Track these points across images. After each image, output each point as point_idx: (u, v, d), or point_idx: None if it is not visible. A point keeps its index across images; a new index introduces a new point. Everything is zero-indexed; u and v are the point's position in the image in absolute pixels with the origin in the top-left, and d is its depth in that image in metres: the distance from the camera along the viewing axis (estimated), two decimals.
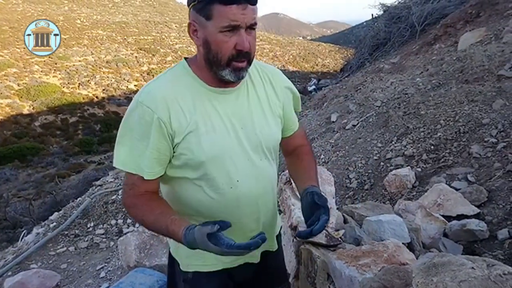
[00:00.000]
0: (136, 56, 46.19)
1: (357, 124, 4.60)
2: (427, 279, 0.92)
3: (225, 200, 1.09)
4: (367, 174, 3.58)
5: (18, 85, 34.96)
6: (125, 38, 50.33)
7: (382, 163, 3.59)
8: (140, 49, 48.02)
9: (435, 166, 3.16)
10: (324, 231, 1.65)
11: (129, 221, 4.79)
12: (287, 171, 1.90)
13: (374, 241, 1.59)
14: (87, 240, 4.51)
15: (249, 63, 1.03)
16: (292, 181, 1.39)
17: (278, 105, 1.18)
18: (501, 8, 6.12)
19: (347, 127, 4.71)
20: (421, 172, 3.19)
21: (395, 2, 10.32)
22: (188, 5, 1.01)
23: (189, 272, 1.18)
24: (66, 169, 16.04)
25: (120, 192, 5.29)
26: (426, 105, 3.99)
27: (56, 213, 5.33)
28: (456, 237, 2.15)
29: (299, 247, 1.72)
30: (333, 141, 4.60)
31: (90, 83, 39.15)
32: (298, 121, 1.33)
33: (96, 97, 37.65)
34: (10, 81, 34.84)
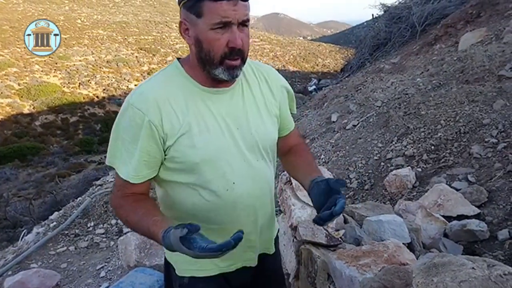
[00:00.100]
0: (136, 56, 46.19)
1: (358, 124, 4.60)
2: (427, 279, 0.92)
3: (221, 203, 1.06)
4: (367, 174, 3.58)
5: (19, 84, 34.98)
6: (125, 38, 50.33)
7: (382, 163, 3.59)
8: (141, 49, 48.02)
9: (436, 166, 3.16)
10: (324, 231, 1.65)
11: None
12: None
13: (374, 241, 1.59)
14: (87, 240, 4.51)
15: (243, 61, 1.01)
16: (293, 178, 1.36)
17: (274, 104, 1.16)
18: (502, 8, 6.12)
19: (347, 127, 4.71)
20: (421, 172, 3.19)
21: (395, 2, 10.32)
22: (179, 4, 0.99)
23: (185, 277, 1.15)
24: (66, 169, 16.05)
25: None
26: (427, 105, 3.99)
27: (56, 213, 5.34)
28: (456, 237, 2.15)
29: (299, 247, 1.72)
30: (333, 141, 4.60)
31: (90, 82, 39.16)
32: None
33: (97, 96, 37.66)
34: (10, 81, 34.86)
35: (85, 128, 32.64)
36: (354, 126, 4.62)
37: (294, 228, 1.76)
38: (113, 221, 4.82)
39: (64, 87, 37.37)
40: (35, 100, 34.32)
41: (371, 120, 4.47)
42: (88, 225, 4.79)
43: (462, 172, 2.90)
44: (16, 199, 10.46)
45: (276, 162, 1.24)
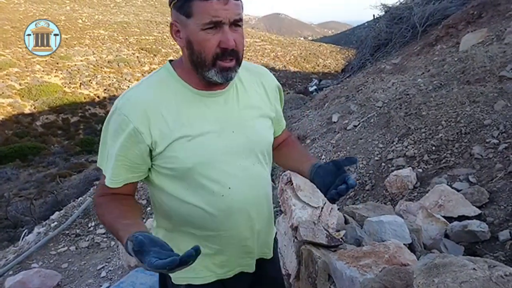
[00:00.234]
0: (137, 56, 46.29)
1: (358, 124, 4.60)
2: (428, 280, 0.92)
3: (217, 209, 1.02)
4: (368, 174, 3.58)
5: (20, 84, 35.07)
6: (126, 38, 50.41)
7: (383, 164, 3.59)
8: (142, 49, 48.11)
9: (436, 167, 3.16)
10: (325, 231, 1.65)
11: None
12: (287, 171, 1.90)
13: (375, 242, 1.59)
14: (88, 240, 4.51)
15: (238, 62, 0.97)
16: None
17: (269, 107, 1.13)
18: (503, 9, 6.11)
19: (348, 128, 4.71)
20: (422, 173, 3.19)
21: (396, 2, 10.30)
22: (170, 5, 0.96)
23: (181, 285, 1.11)
24: (67, 169, 16.04)
25: None
26: (428, 106, 3.99)
27: (57, 213, 5.35)
28: (457, 238, 2.15)
29: (300, 247, 1.72)
30: (334, 142, 4.60)
31: (91, 83, 39.23)
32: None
33: (98, 97, 37.73)
34: (11, 81, 34.93)
35: (86, 128, 32.71)
36: (355, 126, 4.62)
37: (295, 229, 1.76)
38: None
39: (65, 87, 37.45)
40: (36, 100, 34.39)
41: (372, 120, 4.47)
42: (89, 225, 4.80)
43: (463, 172, 2.90)
44: (17, 199, 10.47)
45: (272, 163, 1.21)
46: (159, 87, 0.99)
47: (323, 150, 4.55)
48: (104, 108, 36.30)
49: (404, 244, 1.55)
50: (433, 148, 3.36)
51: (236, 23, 0.93)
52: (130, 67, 43.38)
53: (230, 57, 0.94)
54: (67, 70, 39.24)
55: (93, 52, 44.17)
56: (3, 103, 32.58)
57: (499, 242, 2.09)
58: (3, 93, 33.08)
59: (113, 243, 4.39)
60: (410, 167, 3.26)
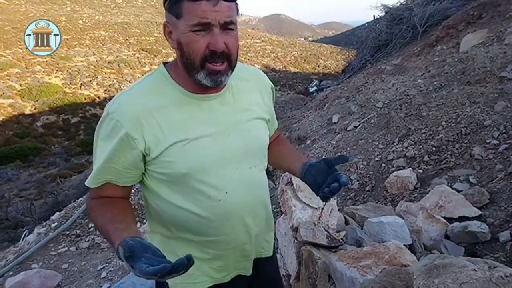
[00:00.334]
0: (138, 57, 46.33)
1: (359, 125, 4.60)
2: (428, 280, 0.92)
3: (214, 214, 1.01)
4: (368, 175, 3.58)
5: (20, 85, 35.11)
6: (127, 39, 50.46)
7: (383, 165, 3.59)
8: (142, 50, 48.15)
9: (437, 168, 3.16)
10: (325, 232, 1.65)
11: None
12: (287, 172, 1.90)
13: (375, 243, 1.59)
14: (88, 240, 4.51)
15: (231, 67, 0.95)
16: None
17: (264, 110, 1.12)
18: (503, 10, 6.11)
19: (348, 128, 4.71)
20: (422, 174, 3.19)
21: (397, 3, 10.32)
22: (164, 5, 0.95)
23: None
24: (67, 169, 16.05)
25: None
26: (428, 106, 3.99)
27: (57, 213, 5.35)
28: (457, 239, 2.15)
29: (300, 248, 1.72)
30: (334, 142, 4.60)
31: (92, 83, 39.26)
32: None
33: (98, 97, 37.74)
34: (12, 81, 34.97)
35: (86, 128, 32.70)
36: (355, 127, 4.62)
37: (295, 229, 1.76)
38: None
39: (65, 87, 37.49)
40: (37, 100, 34.43)
41: (372, 121, 4.47)
42: (89, 226, 4.80)
43: (464, 173, 2.90)
44: (17, 199, 10.48)
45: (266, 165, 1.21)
46: (153, 91, 0.97)
47: (323, 151, 4.55)
48: None
49: (404, 245, 1.55)
50: (434, 148, 3.36)
51: (227, 26, 0.90)
52: (131, 68, 43.41)
53: (220, 60, 0.92)
54: (67, 70, 39.27)
55: (93, 52, 44.22)
56: (4, 103, 32.62)
57: (500, 243, 2.09)
58: (3, 93, 33.11)
59: None
60: (410, 168, 3.26)
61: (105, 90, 38.82)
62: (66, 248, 4.36)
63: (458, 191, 2.61)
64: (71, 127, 32.93)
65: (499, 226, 2.22)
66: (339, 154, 1.00)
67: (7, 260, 4.26)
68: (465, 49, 5.31)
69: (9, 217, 8.18)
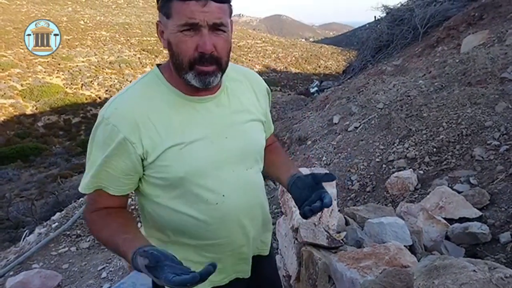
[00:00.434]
0: (139, 57, 46.39)
1: (359, 126, 4.60)
2: (428, 281, 0.92)
3: (211, 217, 1.00)
4: (369, 176, 3.57)
5: (22, 85, 35.17)
6: (128, 39, 50.54)
7: (384, 165, 3.59)
8: (143, 50, 48.21)
9: (437, 169, 3.16)
10: (325, 233, 1.65)
11: None
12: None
13: (375, 243, 1.59)
14: (88, 240, 4.52)
15: (221, 69, 0.93)
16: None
17: (260, 111, 1.12)
18: (504, 11, 6.11)
19: (349, 129, 4.71)
20: (423, 175, 3.19)
21: (397, 4, 10.33)
22: (157, 5, 0.94)
23: None
24: (68, 170, 16.07)
25: None
26: (429, 107, 3.98)
27: (58, 213, 5.35)
28: (458, 240, 2.14)
29: (300, 249, 1.72)
30: (335, 143, 4.60)
31: (93, 83, 39.33)
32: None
33: (99, 97, 37.78)
34: (13, 82, 35.04)
35: (87, 129, 32.68)
36: (356, 128, 4.62)
37: (295, 230, 1.76)
38: None
39: (66, 88, 37.56)
40: (38, 100, 34.49)
41: (373, 122, 4.47)
42: None
43: (464, 174, 2.90)
44: (18, 199, 10.49)
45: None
46: (148, 94, 0.96)
47: (324, 152, 4.55)
48: None
49: (404, 245, 1.55)
50: (434, 149, 3.36)
51: (217, 27, 0.89)
52: (132, 68, 43.46)
53: (208, 62, 0.90)
54: (68, 71, 39.34)
55: (94, 53, 44.29)
56: (5, 103, 32.68)
57: (500, 244, 2.09)
58: (5, 94, 33.18)
59: None
60: (411, 169, 3.26)
61: (106, 90, 38.86)
62: (66, 248, 4.37)
63: (459, 192, 2.61)
64: (72, 128, 32.97)
65: (500, 227, 2.22)
66: (326, 172, 1.00)
67: (7, 260, 4.27)
68: (466, 50, 5.30)
69: (10, 217, 8.20)
